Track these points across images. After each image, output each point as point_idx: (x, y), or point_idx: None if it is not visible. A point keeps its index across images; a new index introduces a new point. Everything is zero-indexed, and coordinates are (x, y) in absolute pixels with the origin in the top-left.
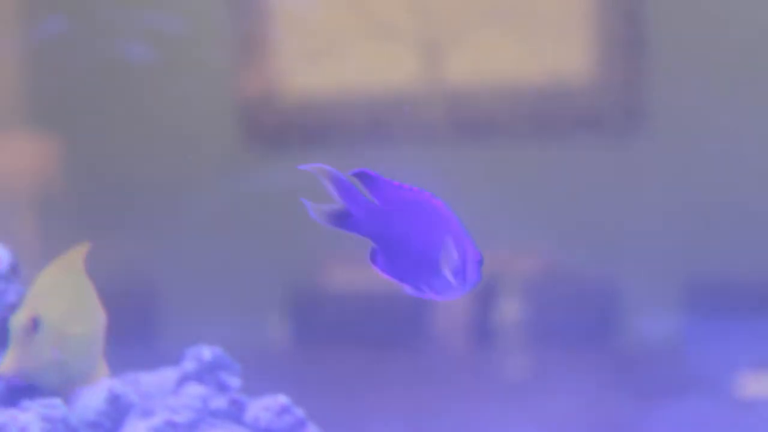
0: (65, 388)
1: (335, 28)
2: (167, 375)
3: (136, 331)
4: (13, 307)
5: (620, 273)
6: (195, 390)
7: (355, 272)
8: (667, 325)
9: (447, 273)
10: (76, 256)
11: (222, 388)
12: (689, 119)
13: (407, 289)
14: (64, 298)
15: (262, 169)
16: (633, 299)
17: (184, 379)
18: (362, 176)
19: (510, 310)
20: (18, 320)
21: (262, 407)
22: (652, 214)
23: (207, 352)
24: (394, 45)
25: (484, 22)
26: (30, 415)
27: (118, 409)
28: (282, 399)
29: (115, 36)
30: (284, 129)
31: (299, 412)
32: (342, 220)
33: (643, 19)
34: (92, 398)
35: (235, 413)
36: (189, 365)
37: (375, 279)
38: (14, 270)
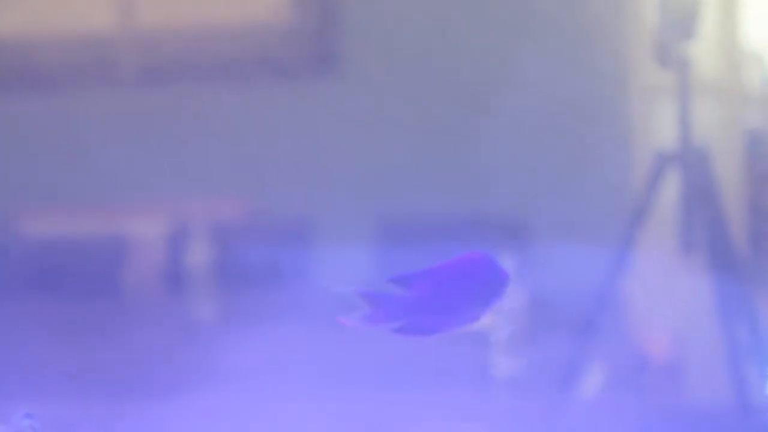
0: None
1: None
2: None
3: None
4: None
5: (312, 214)
6: None
7: (49, 221)
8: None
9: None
10: None
11: None
12: (383, 61)
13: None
14: None
15: None
16: (324, 238)
17: None
18: (396, 280)
19: (201, 253)
20: None
21: None
22: (344, 156)
23: None
24: None
25: None
26: None
27: None
28: None
29: None
30: None
31: None
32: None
33: None
34: None
35: None
36: None
37: (69, 227)
38: None
